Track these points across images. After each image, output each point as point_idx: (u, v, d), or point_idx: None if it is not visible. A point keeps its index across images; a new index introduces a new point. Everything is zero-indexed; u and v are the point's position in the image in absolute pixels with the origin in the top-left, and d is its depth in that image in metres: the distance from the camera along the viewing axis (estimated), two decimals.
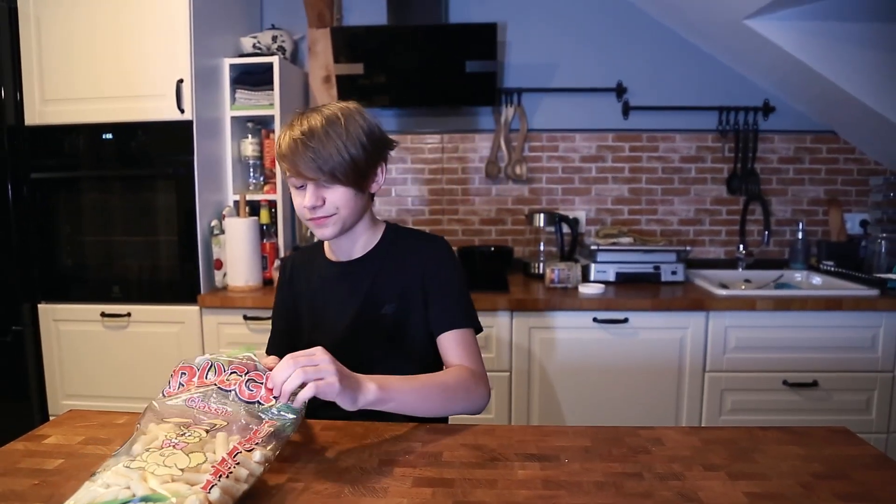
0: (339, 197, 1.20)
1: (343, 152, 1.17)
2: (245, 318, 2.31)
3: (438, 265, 1.31)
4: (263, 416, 0.90)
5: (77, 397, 2.42)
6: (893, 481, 0.88)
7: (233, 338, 2.33)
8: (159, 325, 2.37)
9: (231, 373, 0.93)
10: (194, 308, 2.34)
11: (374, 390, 0.99)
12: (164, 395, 0.92)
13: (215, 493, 0.74)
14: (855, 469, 0.92)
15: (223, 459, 0.79)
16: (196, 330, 2.35)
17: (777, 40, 2.33)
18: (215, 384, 0.92)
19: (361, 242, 1.32)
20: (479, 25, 2.49)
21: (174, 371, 0.95)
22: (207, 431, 0.84)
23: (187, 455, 0.78)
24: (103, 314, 2.37)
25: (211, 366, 0.94)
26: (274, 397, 0.91)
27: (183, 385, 0.93)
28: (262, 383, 0.92)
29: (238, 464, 0.80)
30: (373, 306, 1.30)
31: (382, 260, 1.32)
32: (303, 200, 1.21)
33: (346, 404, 0.95)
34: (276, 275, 2.48)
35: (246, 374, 0.93)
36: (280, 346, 1.37)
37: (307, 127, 1.17)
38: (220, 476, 0.76)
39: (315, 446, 0.99)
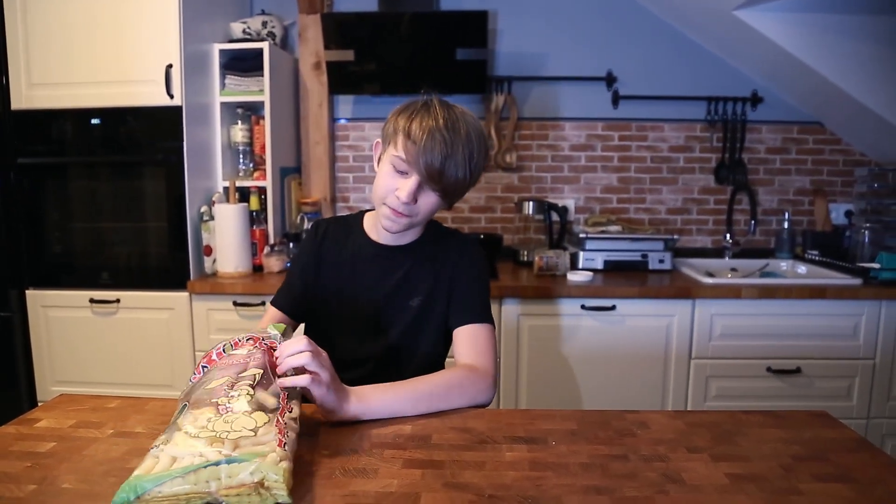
0: (428, 204, 1.19)
1: (465, 171, 1.15)
2: (235, 304, 2.31)
3: (468, 263, 1.32)
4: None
5: (66, 384, 2.41)
6: (871, 463, 0.91)
7: (223, 324, 2.33)
8: (149, 311, 2.36)
9: (247, 339, 0.97)
10: (184, 294, 2.34)
11: (354, 408, 1.01)
12: (191, 381, 0.93)
13: (288, 447, 0.78)
14: (834, 451, 0.94)
15: (278, 420, 0.82)
16: (186, 316, 2.35)
17: (766, 31, 2.35)
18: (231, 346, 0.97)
19: (409, 235, 1.31)
20: (470, 13, 2.49)
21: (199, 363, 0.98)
22: (252, 387, 0.86)
23: (252, 417, 0.80)
24: (92, 300, 2.37)
25: (228, 342, 0.97)
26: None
27: (207, 367, 0.94)
28: (274, 350, 0.96)
29: (286, 424, 0.83)
30: (401, 296, 1.30)
31: (420, 253, 1.32)
32: (394, 184, 1.16)
33: (324, 414, 0.99)
34: (265, 261, 2.48)
35: (263, 341, 0.97)
36: (290, 302, 1.35)
37: (451, 126, 1.13)
38: (282, 433, 0.79)
39: (306, 428, 1.00)
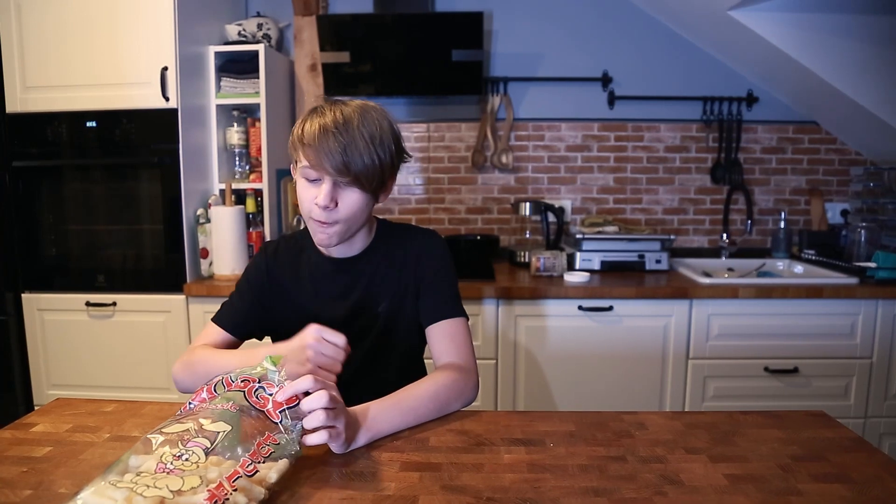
0: (353, 202, 1.13)
1: (374, 155, 1.10)
2: None
3: (432, 258, 1.29)
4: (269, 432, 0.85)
5: (63, 387, 2.41)
6: (868, 462, 0.91)
7: None
8: (145, 314, 2.36)
9: (241, 381, 0.90)
10: (180, 297, 2.34)
11: (364, 440, 0.97)
12: (181, 412, 0.88)
13: None
14: (832, 451, 0.95)
15: (220, 484, 0.73)
16: (182, 319, 2.34)
17: (761, 31, 2.35)
18: (223, 386, 0.90)
19: (358, 243, 1.27)
20: (466, 14, 2.49)
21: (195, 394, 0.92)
22: (206, 453, 0.78)
23: (181, 478, 0.73)
24: (88, 303, 2.36)
25: (220, 380, 0.91)
26: (284, 409, 0.87)
27: (194, 405, 0.89)
28: (271, 394, 0.88)
29: (236, 489, 0.74)
30: (367, 307, 1.27)
31: (378, 259, 1.28)
32: (312, 194, 1.12)
33: (335, 449, 0.94)
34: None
35: (258, 383, 0.89)
36: (239, 323, 1.28)
37: (341, 118, 1.09)
38: (216, 502, 0.70)
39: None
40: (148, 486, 0.70)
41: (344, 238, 1.19)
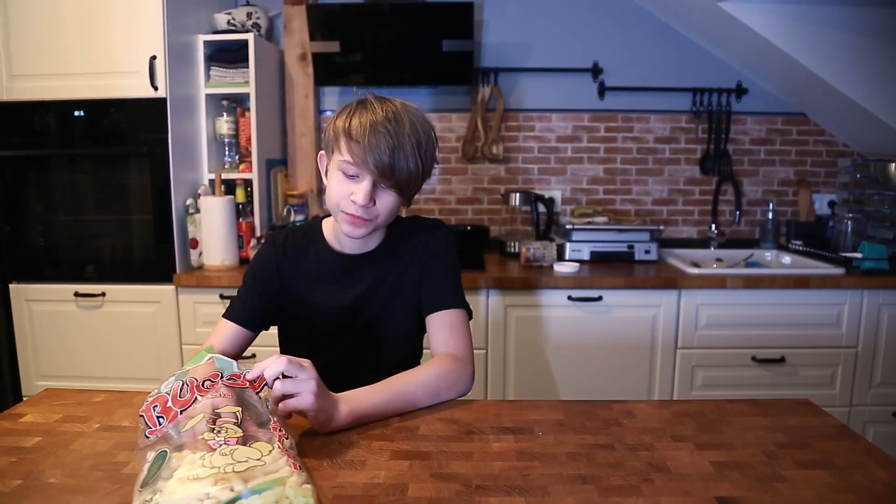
0: (388, 203, 1.13)
1: (416, 162, 1.10)
2: (221, 297, 2.30)
3: (436, 248, 1.29)
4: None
5: (52, 378, 2.39)
6: (852, 449, 0.92)
7: (209, 317, 2.32)
8: (134, 304, 2.35)
9: (208, 381, 0.84)
10: (170, 287, 2.33)
11: (346, 417, 0.97)
12: (147, 437, 0.78)
13: (304, 473, 0.74)
14: (816, 438, 0.96)
15: (283, 448, 0.76)
16: (172, 309, 2.33)
17: (750, 23, 2.36)
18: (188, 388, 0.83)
19: (374, 240, 1.26)
20: (456, 4, 2.48)
21: (143, 412, 0.80)
22: (236, 423, 0.77)
23: (251, 447, 0.73)
24: (77, 294, 2.34)
25: (183, 385, 0.82)
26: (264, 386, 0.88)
27: (164, 418, 0.79)
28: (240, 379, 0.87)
29: (288, 438, 0.80)
30: (371, 303, 1.27)
31: (388, 255, 1.27)
32: (348, 189, 1.11)
33: (317, 426, 0.94)
34: (252, 253, 2.46)
35: (223, 376, 0.86)
36: (249, 316, 1.25)
37: (392, 116, 1.08)
38: (294, 457, 0.76)
39: (293, 421, 1.00)
40: (234, 463, 0.69)
41: (372, 232, 1.19)
